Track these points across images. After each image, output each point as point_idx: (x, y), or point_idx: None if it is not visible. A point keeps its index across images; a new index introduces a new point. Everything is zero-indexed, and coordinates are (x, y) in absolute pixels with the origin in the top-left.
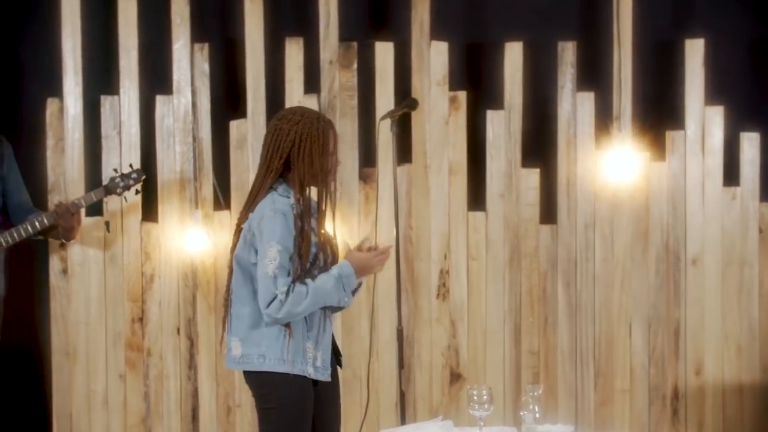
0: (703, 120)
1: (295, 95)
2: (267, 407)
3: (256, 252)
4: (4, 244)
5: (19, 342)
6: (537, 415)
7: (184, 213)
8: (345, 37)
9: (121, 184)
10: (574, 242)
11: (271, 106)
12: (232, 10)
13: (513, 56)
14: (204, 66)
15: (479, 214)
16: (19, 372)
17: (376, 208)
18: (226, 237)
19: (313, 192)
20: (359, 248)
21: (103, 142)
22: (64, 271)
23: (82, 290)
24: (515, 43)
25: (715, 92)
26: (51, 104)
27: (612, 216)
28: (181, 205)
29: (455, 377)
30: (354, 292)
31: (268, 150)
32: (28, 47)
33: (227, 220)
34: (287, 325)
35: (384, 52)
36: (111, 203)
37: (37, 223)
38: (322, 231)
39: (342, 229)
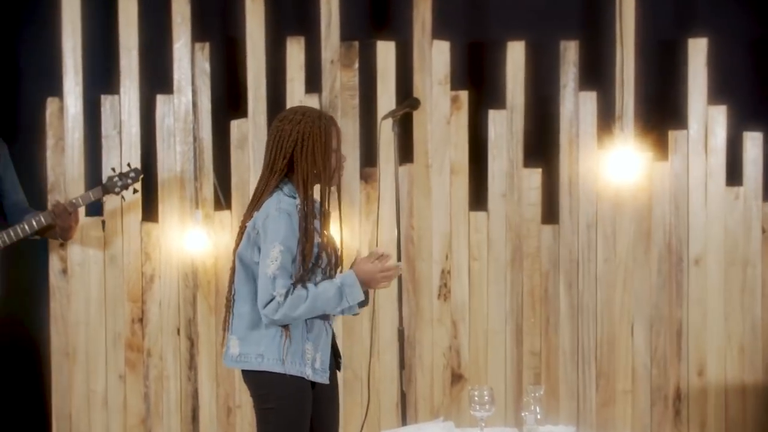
0: (706, 119)
1: (296, 95)
2: (265, 407)
3: (259, 251)
4: (1, 244)
5: (19, 342)
6: (538, 416)
7: (184, 213)
8: (346, 36)
9: (119, 184)
10: (576, 242)
11: (272, 105)
12: (233, 9)
13: (515, 55)
14: (205, 65)
15: (481, 214)
16: (18, 372)
17: (378, 208)
18: (226, 237)
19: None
20: (369, 259)
21: (104, 141)
22: (64, 271)
23: (81, 290)
24: (517, 43)
25: (717, 92)
26: (51, 104)
27: (614, 216)
28: (181, 205)
29: (456, 378)
30: (362, 304)
31: (271, 151)
32: (29, 46)
33: (228, 220)
34: (285, 326)
35: (385, 52)
36: (110, 203)
37: (34, 223)
38: (326, 232)
39: (343, 229)
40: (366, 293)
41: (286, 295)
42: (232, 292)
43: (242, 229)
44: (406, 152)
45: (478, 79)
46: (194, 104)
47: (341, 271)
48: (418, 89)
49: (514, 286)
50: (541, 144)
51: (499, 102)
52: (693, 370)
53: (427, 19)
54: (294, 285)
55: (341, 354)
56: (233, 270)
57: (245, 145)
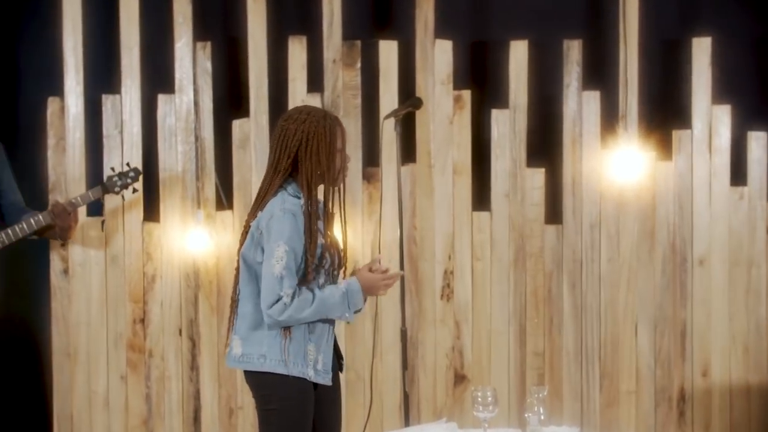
0: (710, 119)
1: (298, 94)
2: (267, 408)
3: (263, 251)
4: None
5: (20, 342)
6: (542, 417)
7: (186, 213)
8: (348, 35)
9: (119, 183)
10: (580, 242)
11: (274, 105)
12: (235, 9)
13: (518, 55)
14: (206, 65)
15: (484, 214)
16: (19, 373)
17: (380, 208)
18: (228, 237)
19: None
20: (370, 268)
21: (105, 141)
22: (65, 271)
23: (83, 290)
24: (520, 42)
25: (722, 91)
26: (52, 103)
27: (618, 216)
28: (183, 204)
29: (459, 378)
30: (357, 311)
31: (275, 151)
32: (29, 46)
33: (229, 220)
34: (287, 327)
35: (388, 51)
36: (111, 203)
37: (33, 223)
38: (329, 232)
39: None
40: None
41: (293, 297)
42: (237, 292)
43: (246, 228)
44: (408, 152)
45: (480, 79)
46: (196, 104)
47: (344, 273)
48: (421, 89)
49: (518, 286)
50: (545, 144)
51: (502, 101)
52: (697, 371)
53: (430, 18)
54: (298, 286)
55: (343, 355)
56: (238, 270)
57: (247, 145)
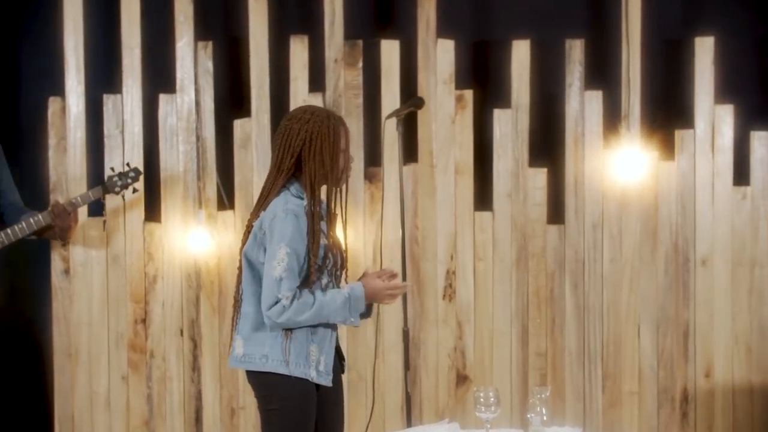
0: (713, 119)
1: (299, 94)
2: (269, 408)
3: (266, 251)
4: None
5: (21, 343)
6: (544, 418)
7: (187, 213)
8: (350, 35)
9: (119, 183)
10: (582, 242)
11: (275, 104)
12: (236, 8)
13: (520, 54)
14: (208, 64)
15: (486, 214)
16: (20, 373)
17: (382, 208)
18: (230, 237)
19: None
20: (378, 275)
21: (106, 141)
22: (66, 271)
23: (84, 291)
24: (522, 41)
25: (724, 91)
26: (53, 103)
27: (620, 216)
28: (184, 204)
29: (461, 379)
30: (363, 315)
31: (278, 150)
32: (30, 45)
33: (231, 220)
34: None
35: (390, 51)
36: (113, 203)
37: (33, 223)
38: (332, 233)
39: (347, 229)
40: (369, 306)
41: (293, 299)
42: (240, 292)
43: (249, 228)
44: (410, 152)
45: (483, 78)
46: (197, 103)
47: (345, 274)
48: (423, 88)
49: (520, 286)
50: (547, 143)
51: (504, 101)
52: (700, 372)
53: (432, 17)
54: (300, 288)
55: (345, 356)
56: (241, 269)
57: (248, 145)
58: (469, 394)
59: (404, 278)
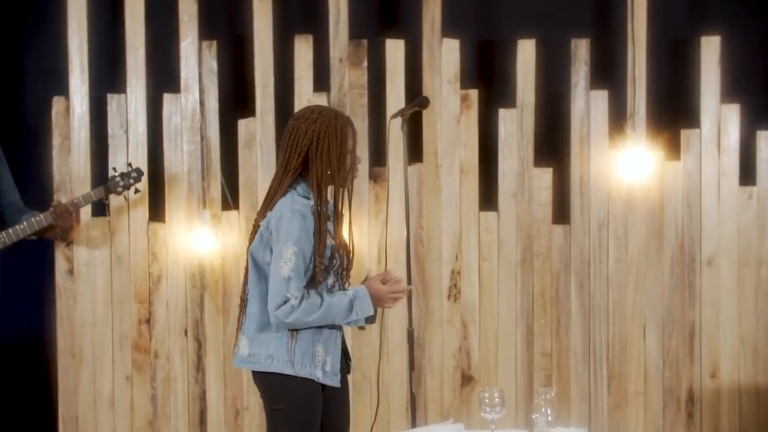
0: (719, 118)
1: (304, 93)
2: (275, 408)
3: (272, 251)
4: (0, 245)
5: (25, 343)
6: (549, 418)
7: (191, 213)
8: (355, 34)
9: (121, 184)
10: (588, 242)
11: (280, 104)
12: (241, 8)
13: (525, 54)
14: (212, 64)
15: (491, 214)
16: (24, 373)
17: (387, 208)
18: (234, 237)
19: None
20: (382, 280)
21: (110, 141)
22: (70, 271)
23: (88, 291)
24: (528, 41)
25: (731, 90)
26: (57, 103)
27: (626, 216)
28: (188, 204)
29: (466, 379)
30: (369, 320)
31: (285, 150)
32: (34, 45)
33: (235, 220)
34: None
35: (395, 50)
36: (117, 202)
37: (35, 223)
38: (338, 234)
39: (352, 229)
40: (375, 309)
41: (301, 299)
42: (246, 292)
43: (255, 228)
44: (415, 151)
45: (488, 78)
46: (201, 103)
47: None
48: (428, 88)
49: (525, 286)
50: (552, 143)
51: (510, 101)
52: (706, 372)
53: (437, 17)
54: (307, 288)
55: (351, 357)
56: (247, 269)
57: (253, 145)
58: (474, 394)
59: (409, 278)
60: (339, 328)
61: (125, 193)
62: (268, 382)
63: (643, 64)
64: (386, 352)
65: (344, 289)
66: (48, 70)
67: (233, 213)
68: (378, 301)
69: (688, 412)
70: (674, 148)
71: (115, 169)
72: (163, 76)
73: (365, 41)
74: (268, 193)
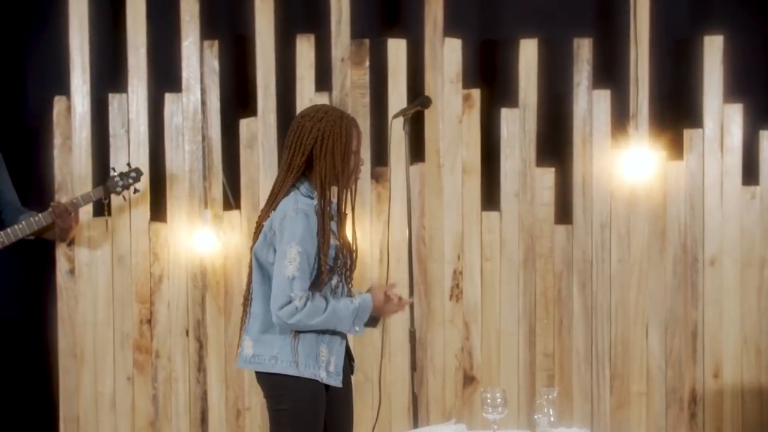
0: (722, 118)
1: (306, 93)
2: (279, 409)
3: (275, 252)
4: None
5: (26, 343)
6: (551, 419)
7: (193, 213)
8: (357, 34)
9: (121, 184)
10: (590, 242)
11: (281, 104)
12: (242, 7)
13: (528, 53)
14: (213, 63)
15: (493, 214)
16: (25, 374)
17: (389, 208)
18: (235, 237)
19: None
20: (386, 292)
21: (111, 140)
22: (71, 271)
23: (89, 291)
24: (530, 40)
25: (733, 90)
26: (58, 102)
27: (628, 216)
28: (190, 204)
29: (468, 380)
30: (369, 324)
31: (290, 148)
32: (35, 45)
33: (237, 220)
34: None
35: (396, 50)
36: (118, 202)
37: (34, 223)
38: (342, 234)
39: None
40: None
41: (306, 301)
42: (250, 292)
43: (259, 227)
44: (417, 151)
45: (490, 78)
46: (203, 103)
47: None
48: (430, 87)
49: (527, 286)
50: (555, 143)
51: (512, 100)
52: (708, 372)
53: (439, 16)
54: (311, 289)
55: (354, 357)
56: (251, 268)
57: (254, 144)
58: (476, 394)
59: (411, 278)
60: None
61: (124, 193)
62: (272, 383)
63: (645, 63)
64: (388, 353)
65: (348, 289)
66: (49, 70)
67: (235, 213)
68: (379, 310)
69: (690, 413)
70: (677, 147)
71: (114, 169)
72: (165, 75)
73: (367, 41)
74: (272, 192)
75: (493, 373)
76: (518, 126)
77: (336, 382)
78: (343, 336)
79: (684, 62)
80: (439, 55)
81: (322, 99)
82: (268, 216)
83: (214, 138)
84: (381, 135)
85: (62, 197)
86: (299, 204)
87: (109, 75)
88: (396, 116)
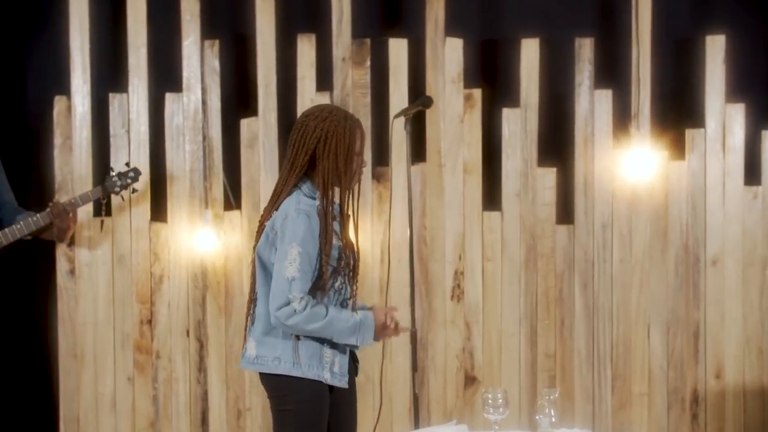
0: (724, 118)
1: (307, 93)
2: (282, 409)
3: (277, 251)
4: None
5: (26, 343)
6: (553, 419)
7: (193, 213)
8: (358, 33)
9: (119, 183)
10: (592, 243)
11: (282, 103)
12: (243, 7)
13: (529, 53)
14: (214, 63)
15: (494, 214)
16: (25, 374)
17: (390, 208)
18: (236, 237)
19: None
20: (385, 319)
21: (112, 140)
22: (72, 271)
23: (89, 291)
24: (531, 40)
25: (735, 89)
26: (58, 102)
27: (630, 216)
28: (190, 204)
29: (470, 380)
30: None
31: (293, 146)
32: (36, 44)
33: (237, 220)
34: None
35: (398, 49)
36: (117, 203)
37: (32, 223)
38: (345, 234)
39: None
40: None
41: (306, 305)
42: (255, 292)
43: (261, 227)
44: (418, 151)
45: (491, 77)
46: (204, 102)
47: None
48: (431, 87)
49: (529, 287)
50: (556, 143)
51: (513, 100)
52: (710, 373)
53: (440, 16)
54: (313, 290)
55: (358, 358)
56: (254, 268)
57: (255, 144)
58: (478, 395)
59: (412, 279)
60: None
61: (123, 193)
62: (275, 384)
63: (647, 63)
64: (389, 353)
65: (353, 291)
66: (49, 70)
67: (235, 213)
68: (375, 332)
69: (692, 413)
70: (679, 147)
71: (112, 169)
72: (165, 75)
73: (368, 40)
74: (274, 192)
75: (494, 374)
76: (520, 126)
77: (342, 383)
78: None
79: (686, 62)
80: (440, 55)
81: (323, 99)
82: (270, 216)
83: (215, 138)
84: (382, 135)
85: (62, 197)
86: (301, 204)
87: (109, 75)
88: (397, 116)
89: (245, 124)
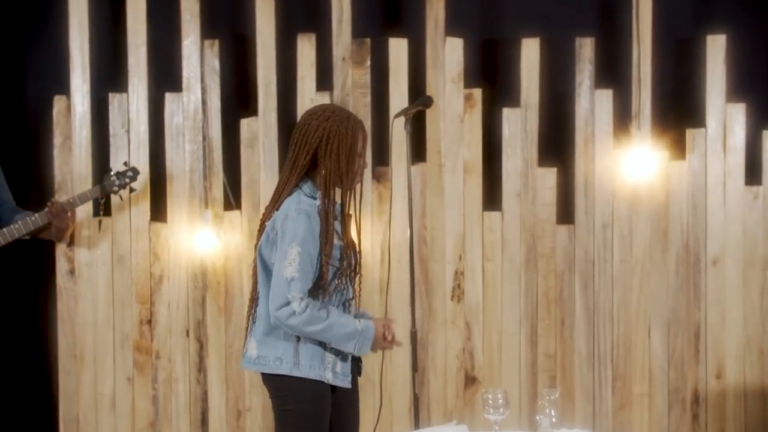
0: (725, 118)
1: (307, 92)
2: (284, 409)
3: (277, 251)
4: None
5: (26, 344)
6: (553, 420)
7: (193, 213)
8: (358, 33)
9: (117, 183)
10: (592, 243)
11: (282, 103)
12: (243, 6)
13: (529, 53)
14: (214, 63)
15: (495, 214)
16: (25, 374)
17: (390, 208)
18: (236, 237)
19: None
20: (383, 323)
21: (111, 140)
22: (71, 271)
23: (89, 291)
24: (532, 40)
25: (736, 89)
26: (58, 102)
27: (631, 216)
28: (190, 204)
29: (470, 380)
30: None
31: (295, 145)
32: (35, 44)
33: (237, 220)
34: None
35: (398, 49)
36: (117, 203)
37: (30, 223)
38: (347, 234)
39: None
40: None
41: (306, 307)
42: (256, 292)
43: (262, 227)
44: (418, 151)
45: (491, 77)
46: (203, 102)
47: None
48: (431, 87)
49: (529, 287)
50: (556, 143)
51: (514, 100)
52: (711, 373)
53: (440, 16)
54: (314, 290)
55: (361, 359)
56: (255, 268)
57: (255, 144)
58: (478, 395)
59: (412, 279)
60: None
61: (121, 192)
62: (277, 384)
63: (648, 63)
64: (389, 353)
65: (355, 291)
66: (49, 70)
67: (235, 213)
68: (375, 342)
69: (693, 414)
70: (679, 147)
71: (111, 169)
72: (165, 75)
73: (368, 40)
74: (275, 191)
75: (494, 374)
76: (520, 126)
77: (344, 383)
78: None
79: (686, 62)
80: (440, 55)
81: (323, 98)
82: (271, 216)
83: (215, 138)
84: (382, 135)
85: (62, 197)
86: (301, 204)
87: (109, 74)
88: (397, 116)
89: (245, 124)
